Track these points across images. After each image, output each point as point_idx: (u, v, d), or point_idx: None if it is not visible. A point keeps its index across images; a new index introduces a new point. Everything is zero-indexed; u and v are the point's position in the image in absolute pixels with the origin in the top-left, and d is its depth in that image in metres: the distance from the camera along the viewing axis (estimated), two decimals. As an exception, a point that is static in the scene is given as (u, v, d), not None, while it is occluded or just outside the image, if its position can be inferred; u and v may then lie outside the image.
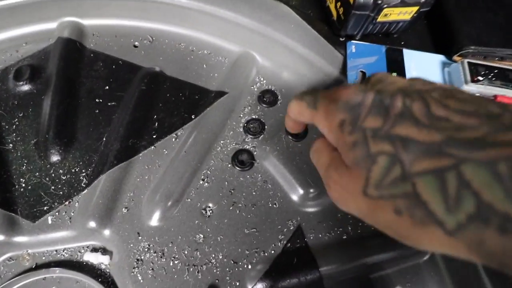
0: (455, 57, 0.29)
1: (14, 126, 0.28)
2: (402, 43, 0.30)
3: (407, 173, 0.12)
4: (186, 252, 0.24)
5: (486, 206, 0.10)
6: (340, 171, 0.14)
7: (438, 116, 0.12)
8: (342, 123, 0.14)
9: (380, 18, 0.25)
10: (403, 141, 0.12)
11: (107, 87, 0.30)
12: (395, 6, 0.24)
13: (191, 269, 0.24)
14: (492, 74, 0.26)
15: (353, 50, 0.28)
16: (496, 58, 0.29)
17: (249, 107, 0.30)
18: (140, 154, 0.27)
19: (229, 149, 0.28)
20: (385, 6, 0.24)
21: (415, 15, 0.26)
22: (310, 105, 0.16)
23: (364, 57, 0.28)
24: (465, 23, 0.29)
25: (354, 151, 0.13)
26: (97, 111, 0.29)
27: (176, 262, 0.24)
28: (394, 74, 0.28)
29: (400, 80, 0.14)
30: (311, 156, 0.17)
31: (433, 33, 0.31)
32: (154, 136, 0.28)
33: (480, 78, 0.26)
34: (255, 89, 0.31)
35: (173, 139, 0.28)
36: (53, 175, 0.26)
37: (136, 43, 0.32)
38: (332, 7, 0.28)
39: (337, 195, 0.14)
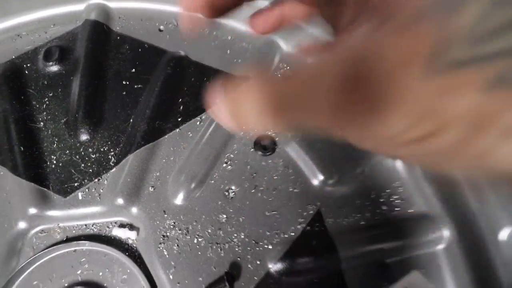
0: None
1: (45, 105, 0.28)
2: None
3: None
4: (209, 231, 0.25)
5: None
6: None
7: None
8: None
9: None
10: None
11: (133, 70, 0.30)
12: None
13: (214, 247, 0.25)
14: None
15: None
16: None
17: (271, 94, 0.30)
18: (166, 136, 0.28)
19: (251, 134, 0.29)
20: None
21: None
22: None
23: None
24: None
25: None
26: (124, 93, 0.29)
27: (200, 239, 0.25)
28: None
29: None
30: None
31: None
32: (180, 119, 0.29)
33: None
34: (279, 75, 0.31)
35: (198, 123, 0.29)
36: (82, 153, 0.27)
37: (161, 27, 0.33)
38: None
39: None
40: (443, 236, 0.26)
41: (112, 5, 0.33)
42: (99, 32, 0.32)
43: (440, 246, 0.26)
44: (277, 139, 0.28)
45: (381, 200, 0.27)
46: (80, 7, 0.32)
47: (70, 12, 0.32)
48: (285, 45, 0.32)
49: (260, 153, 0.28)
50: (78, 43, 0.31)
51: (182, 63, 0.31)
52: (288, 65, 0.31)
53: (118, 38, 0.32)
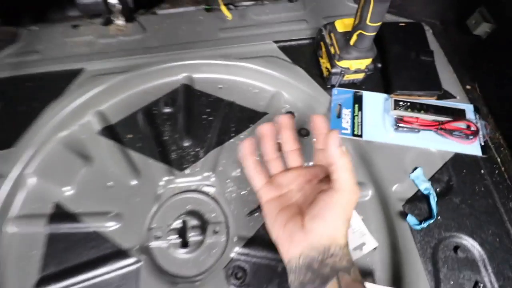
0: (392, 95, 0.53)
1: (166, 129, 0.57)
2: (363, 87, 0.55)
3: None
4: (249, 188, 0.51)
5: None
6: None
7: None
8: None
9: (345, 78, 0.51)
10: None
11: (208, 110, 0.58)
12: (351, 73, 0.50)
13: (252, 195, 0.50)
14: (406, 105, 0.50)
15: (335, 93, 0.54)
16: (416, 95, 0.53)
17: (280, 121, 0.57)
18: (226, 143, 0.55)
19: (269, 142, 0.55)
20: (345, 74, 0.50)
21: (365, 76, 0.52)
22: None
23: (341, 96, 0.54)
24: (397, 77, 0.53)
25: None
26: (204, 122, 0.57)
27: (244, 192, 0.50)
28: (357, 105, 0.53)
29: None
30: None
31: (383, 81, 0.56)
32: (233, 135, 0.56)
33: (399, 108, 0.50)
34: (283, 111, 0.58)
35: (241, 137, 0.56)
36: (187, 151, 0.54)
37: (220, 86, 0.61)
38: (324, 69, 0.55)
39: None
40: (369, 193, 0.50)
41: (194, 75, 0.62)
42: (188, 90, 0.60)
43: (367, 198, 0.50)
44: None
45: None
46: (179, 77, 0.61)
47: (173, 80, 0.61)
48: (286, 94, 0.58)
49: (274, 151, 0.54)
50: (179, 96, 0.60)
51: (232, 106, 0.59)
52: (289, 104, 0.58)
53: (198, 93, 0.60)
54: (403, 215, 0.44)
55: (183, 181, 0.52)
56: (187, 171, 0.53)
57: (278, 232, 0.31)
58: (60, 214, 0.49)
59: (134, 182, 0.52)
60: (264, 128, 0.34)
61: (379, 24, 0.42)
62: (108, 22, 0.66)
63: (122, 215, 0.49)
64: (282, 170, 0.36)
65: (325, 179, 0.34)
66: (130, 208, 0.49)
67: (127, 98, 0.60)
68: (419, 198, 0.46)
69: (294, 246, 0.29)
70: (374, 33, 0.43)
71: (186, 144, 0.55)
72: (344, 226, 0.29)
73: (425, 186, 0.45)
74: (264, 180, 0.35)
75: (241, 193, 0.51)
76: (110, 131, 0.57)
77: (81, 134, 0.57)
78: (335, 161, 0.29)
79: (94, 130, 0.57)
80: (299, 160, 0.36)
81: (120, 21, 0.64)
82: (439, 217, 0.44)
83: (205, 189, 0.52)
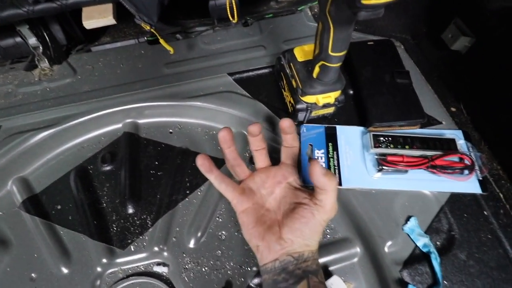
0: (369, 128, 0.46)
1: (105, 192, 0.46)
2: (336, 120, 0.47)
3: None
4: (211, 262, 0.41)
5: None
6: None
7: None
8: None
9: (313, 114, 0.43)
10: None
11: (156, 162, 0.48)
12: (320, 109, 0.42)
13: (215, 272, 0.40)
14: (388, 141, 0.43)
15: (304, 130, 0.46)
16: (397, 125, 0.45)
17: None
18: (180, 204, 0.45)
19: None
20: (313, 110, 0.41)
21: (335, 110, 0.43)
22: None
23: (311, 134, 0.45)
24: (373, 106, 0.46)
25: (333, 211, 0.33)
26: (152, 178, 0.47)
27: (206, 268, 0.40)
28: (330, 144, 0.45)
29: None
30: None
31: (357, 110, 0.48)
32: (188, 192, 0.46)
33: (380, 145, 0.42)
34: (247, 155, 0.49)
35: (199, 193, 0.46)
36: (131, 220, 0.44)
37: (170, 130, 0.51)
38: (288, 104, 0.47)
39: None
40: (357, 251, 0.41)
41: (139, 121, 0.52)
42: (133, 139, 0.50)
43: (355, 260, 0.41)
44: (249, 198, 0.45)
45: (318, 231, 0.43)
46: (119, 125, 0.51)
47: (113, 129, 0.51)
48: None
49: (239, 208, 0.44)
50: (121, 148, 0.49)
51: (186, 154, 0.49)
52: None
53: (145, 141, 0.50)
54: (403, 284, 0.35)
55: (127, 261, 0.41)
56: (131, 247, 0.42)
57: (256, 243, 0.34)
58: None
59: (64, 271, 0.41)
60: (221, 135, 0.37)
61: (344, 53, 0.34)
62: (32, 66, 0.55)
63: (45, 322, 0.37)
64: (249, 174, 0.39)
65: (292, 180, 0.38)
66: (56, 311, 0.38)
67: (55, 158, 0.49)
68: (419, 257, 0.37)
69: (272, 254, 0.32)
70: (339, 64, 0.35)
71: (129, 211, 0.44)
72: (318, 237, 0.33)
73: (423, 241, 0.37)
74: (234, 191, 0.36)
75: (202, 270, 0.40)
76: (34, 203, 0.45)
77: (-3, 211, 0.45)
78: (325, 188, 0.31)
79: (14, 203, 0.45)
80: (266, 160, 0.40)
81: (44, 64, 0.54)
82: (445, 282, 0.35)
83: (157, 269, 0.41)
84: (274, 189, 0.37)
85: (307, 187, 0.38)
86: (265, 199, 0.37)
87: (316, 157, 0.43)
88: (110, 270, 0.41)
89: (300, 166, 0.41)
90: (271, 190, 0.37)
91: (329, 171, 0.31)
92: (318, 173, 0.30)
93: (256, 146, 0.39)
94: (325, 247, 0.41)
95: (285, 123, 0.38)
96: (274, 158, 0.41)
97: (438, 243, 0.38)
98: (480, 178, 0.41)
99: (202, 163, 0.35)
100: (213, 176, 0.36)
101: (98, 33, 0.62)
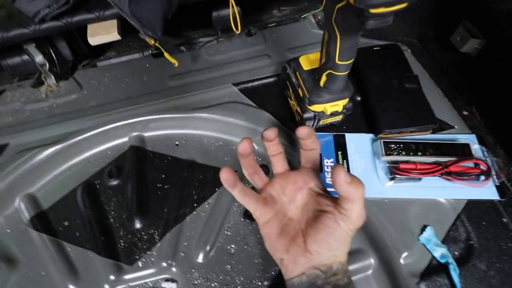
0: (379, 136, 0.44)
1: (112, 207, 0.46)
2: (344, 127, 0.46)
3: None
4: (221, 277, 0.40)
5: None
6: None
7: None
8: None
9: (321, 122, 0.42)
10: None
11: (163, 175, 0.48)
12: (327, 117, 0.41)
13: (225, 287, 0.39)
14: (399, 148, 0.41)
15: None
16: (408, 132, 0.44)
17: (252, 179, 0.47)
18: (188, 218, 0.44)
19: (240, 208, 0.44)
20: (321, 119, 0.41)
21: (343, 118, 0.43)
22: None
23: (320, 141, 0.44)
24: (382, 113, 0.45)
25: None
26: (159, 192, 0.46)
27: (215, 283, 0.39)
28: (340, 152, 0.44)
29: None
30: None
31: (365, 117, 0.47)
32: (195, 205, 0.45)
33: (391, 152, 0.41)
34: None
35: (206, 206, 0.45)
36: (138, 235, 0.43)
37: (177, 143, 0.51)
38: (295, 113, 0.46)
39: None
40: (372, 263, 0.39)
41: (145, 134, 0.51)
42: (139, 152, 0.50)
43: (369, 272, 0.39)
44: (257, 210, 0.44)
45: (330, 242, 0.42)
46: (125, 139, 0.51)
47: (120, 143, 0.51)
48: (255, 145, 0.49)
49: (247, 221, 0.43)
50: (127, 162, 0.49)
51: (193, 166, 0.48)
52: (260, 157, 0.48)
53: (151, 154, 0.50)
54: (421, 298, 0.34)
55: (135, 277, 0.41)
56: (139, 263, 0.41)
57: (281, 256, 0.32)
58: None
59: (71, 289, 0.40)
60: (242, 146, 0.34)
61: (351, 61, 0.33)
62: (40, 83, 0.56)
63: None
64: (268, 181, 0.37)
65: (314, 185, 0.35)
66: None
67: (62, 173, 0.49)
68: (436, 269, 0.35)
69: (298, 267, 0.30)
70: (347, 72, 0.35)
71: (137, 226, 0.44)
72: (347, 248, 0.30)
73: (440, 252, 0.35)
74: (258, 202, 0.34)
75: (212, 286, 0.39)
76: (42, 220, 0.45)
77: (5, 228, 0.45)
78: (350, 197, 0.28)
79: (22, 220, 0.45)
80: (284, 164, 0.38)
81: (51, 81, 0.54)
82: (466, 295, 0.34)
83: (165, 285, 0.40)
84: (296, 196, 0.35)
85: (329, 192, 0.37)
86: (287, 207, 0.35)
87: (325, 168, 0.42)
88: (118, 287, 0.40)
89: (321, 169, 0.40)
90: (292, 196, 0.35)
91: (355, 177, 0.27)
92: (341, 181, 0.27)
93: (273, 151, 0.37)
94: (338, 259, 0.40)
95: (304, 132, 0.34)
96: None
97: (456, 253, 0.36)
98: (497, 184, 0.39)
99: (227, 178, 0.32)
100: (237, 191, 0.33)
101: (103, 48, 0.62)
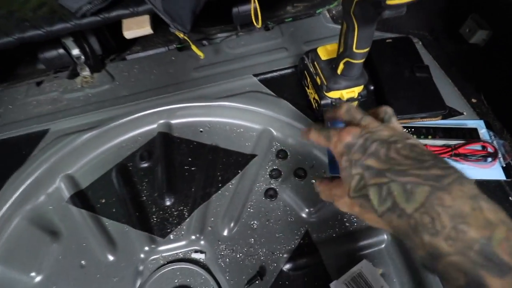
0: (391, 121, 0.47)
1: (144, 187, 0.50)
2: (359, 114, 0.50)
3: (366, 184, 0.22)
4: (245, 249, 0.44)
5: (396, 204, 0.21)
6: (335, 191, 0.27)
7: (391, 157, 0.22)
8: (342, 153, 0.25)
9: (338, 109, 0.45)
10: (368, 168, 0.23)
11: (189, 159, 0.52)
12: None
13: (249, 258, 0.43)
14: (411, 132, 0.44)
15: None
16: (419, 117, 0.47)
17: (271, 162, 0.50)
18: (213, 196, 0.48)
19: (262, 188, 0.48)
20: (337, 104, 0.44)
21: (358, 104, 0.46)
22: (326, 138, 0.27)
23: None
24: (394, 100, 0.48)
25: (344, 171, 0.24)
26: (186, 173, 0.50)
27: (240, 254, 0.43)
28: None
29: (379, 130, 0.24)
30: (320, 194, 0.29)
31: (378, 104, 0.50)
32: (220, 185, 0.49)
33: (402, 135, 0.44)
34: (273, 150, 0.51)
35: (230, 186, 0.49)
36: (169, 211, 0.47)
37: (201, 129, 0.55)
38: (312, 101, 0.49)
39: (338, 203, 0.27)
40: (385, 238, 0.43)
41: (172, 121, 0.56)
42: (167, 138, 0.54)
43: (382, 246, 0.43)
44: (277, 189, 0.47)
45: (345, 219, 0.45)
46: (154, 125, 0.55)
47: (149, 129, 0.55)
48: (274, 131, 0.52)
49: (268, 199, 0.47)
50: (156, 147, 0.53)
51: (216, 150, 0.52)
52: (279, 142, 0.52)
53: (178, 140, 0.54)
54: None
55: (168, 249, 0.45)
56: (171, 236, 0.45)
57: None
58: (24, 311, 0.41)
59: (110, 258, 0.44)
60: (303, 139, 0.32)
61: (367, 49, 0.37)
62: (74, 74, 0.61)
63: (98, 303, 0.41)
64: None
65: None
66: (106, 293, 0.42)
67: (98, 156, 0.54)
68: (445, 241, 0.38)
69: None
70: (363, 60, 0.38)
71: (167, 203, 0.48)
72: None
73: (449, 225, 0.38)
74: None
75: (237, 257, 0.43)
76: (81, 198, 0.50)
77: (48, 205, 0.50)
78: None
79: (63, 198, 0.50)
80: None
81: (86, 72, 0.59)
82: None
83: (194, 256, 0.44)
84: None
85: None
86: None
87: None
88: (152, 257, 0.45)
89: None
90: None
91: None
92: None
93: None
94: (353, 234, 0.43)
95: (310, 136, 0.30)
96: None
97: (464, 227, 0.39)
98: (504, 165, 0.42)
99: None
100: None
101: (129, 43, 0.67)
